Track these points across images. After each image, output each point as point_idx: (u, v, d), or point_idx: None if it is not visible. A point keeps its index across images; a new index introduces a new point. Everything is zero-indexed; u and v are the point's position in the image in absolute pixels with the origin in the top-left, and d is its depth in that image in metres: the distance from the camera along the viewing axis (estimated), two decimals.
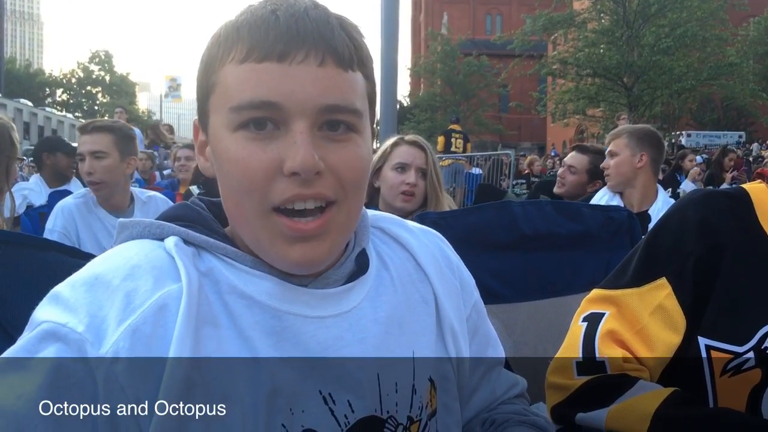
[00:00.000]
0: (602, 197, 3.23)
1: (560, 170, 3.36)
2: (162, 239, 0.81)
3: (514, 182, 11.17)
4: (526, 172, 12.08)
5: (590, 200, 3.13)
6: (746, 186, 1.27)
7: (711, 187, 1.63)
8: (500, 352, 1.11)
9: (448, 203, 2.42)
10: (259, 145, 0.76)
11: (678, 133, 28.19)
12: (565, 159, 3.34)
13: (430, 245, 0.99)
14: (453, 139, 12.68)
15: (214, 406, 0.72)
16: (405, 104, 44.11)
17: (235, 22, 0.79)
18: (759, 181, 1.29)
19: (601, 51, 24.80)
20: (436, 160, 2.44)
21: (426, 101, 41.52)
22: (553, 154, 24.79)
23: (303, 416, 0.77)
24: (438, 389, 0.92)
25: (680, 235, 1.21)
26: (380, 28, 5.91)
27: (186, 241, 0.81)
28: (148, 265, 0.77)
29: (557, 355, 1.25)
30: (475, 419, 1.05)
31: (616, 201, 3.07)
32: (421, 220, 1.57)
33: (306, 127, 0.76)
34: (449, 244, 1.05)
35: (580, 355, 1.20)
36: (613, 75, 25.17)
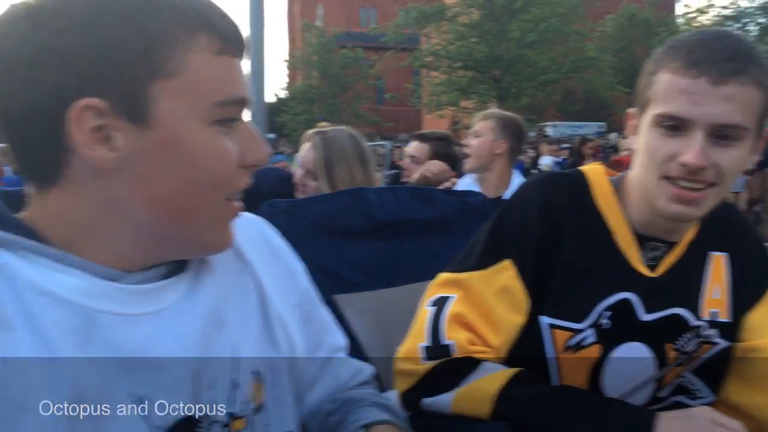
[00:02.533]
0: (463, 183, 3.29)
1: (405, 161, 3.37)
2: None
3: (388, 173, 11.26)
4: (399, 162, 12.24)
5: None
6: (583, 168, 1.30)
7: (552, 170, 1.70)
8: (340, 339, 1.08)
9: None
10: (229, 140, 0.78)
11: (544, 123, 29.54)
12: (406, 149, 3.35)
13: (254, 232, 0.95)
14: None
15: (8, 416, 0.65)
16: (281, 96, 43.62)
17: None
18: (598, 164, 1.33)
19: (471, 44, 25.58)
20: (349, 158, 2.25)
21: (302, 93, 41.28)
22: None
23: (111, 423, 0.71)
24: (266, 382, 0.88)
25: (522, 217, 1.23)
26: (248, 18, 5.78)
27: None
28: None
29: (405, 341, 1.24)
30: (319, 407, 1.02)
31: (476, 188, 3.13)
32: (270, 207, 1.51)
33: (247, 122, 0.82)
34: (275, 228, 1.01)
35: (427, 340, 1.19)
36: (482, 68, 26.07)
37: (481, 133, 3.11)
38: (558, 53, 26.16)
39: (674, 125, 1.10)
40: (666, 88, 1.10)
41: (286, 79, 51.62)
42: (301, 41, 46.27)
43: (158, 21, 0.72)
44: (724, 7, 30.20)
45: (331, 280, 1.59)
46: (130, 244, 0.77)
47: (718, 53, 1.06)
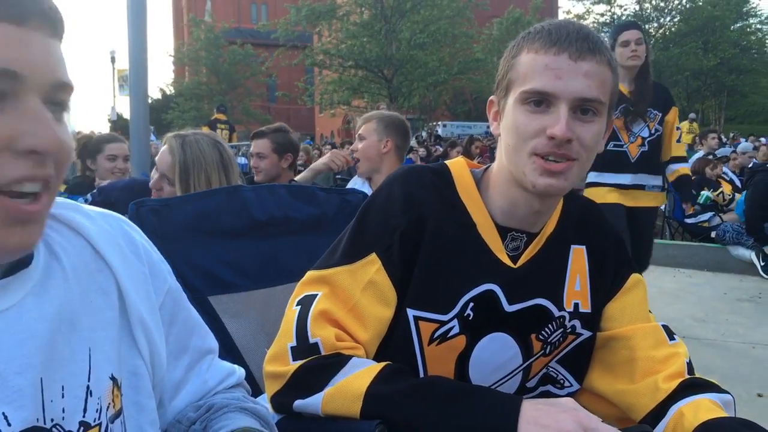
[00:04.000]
0: (353, 184, 3.32)
1: (252, 161, 3.41)
2: None
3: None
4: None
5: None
6: (448, 162, 1.33)
7: (416, 164, 1.73)
8: (209, 342, 1.05)
9: None
10: None
11: (435, 123, 30.11)
12: (251, 150, 3.39)
13: (112, 230, 0.90)
14: (218, 130, 12.39)
15: None
16: (168, 92, 42.17)
17: None
18: (461, 157, 1.36)
19: (362, 43, 25.70)
20: (208, 163, 2.19)
21: (191, 90, 40.09)
22: (325, 142, 25.22)
23: None
24: (125, 387, 0.84)
25: (386, 210, 1.23)
26: (126, 10, 5.52)
27: None
28: None
29: (273, 343, 1.21)
30: (187, 407, 0.98)
31: (366, 188, 3.16)
32: (138, 207, 1.44)
33: (40, 102, 0.69)
34: (136, 227, 0.96)
35: (294, 339, 1.17)
36: (374, 67, 26.26)
37: (365, 136, 3.16)
38: (447, 54, 26.74)
39: (539, 101, 1.14)
40: (529, 66, 1.15)
41: (172, 75, 49.97)
42: (188, 36, 44.95)
43: None
44: (601, 15, 31.97)
45: (207, 281, 1.54)
46: None
47: (575, 34, 1.13)
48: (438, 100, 31.45)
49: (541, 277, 1.27)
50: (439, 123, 30.11)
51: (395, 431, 1.06)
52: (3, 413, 0.70)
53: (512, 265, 1.25)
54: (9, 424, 0.70)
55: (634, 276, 1.34)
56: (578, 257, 1.32)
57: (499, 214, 1.25)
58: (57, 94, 0.72)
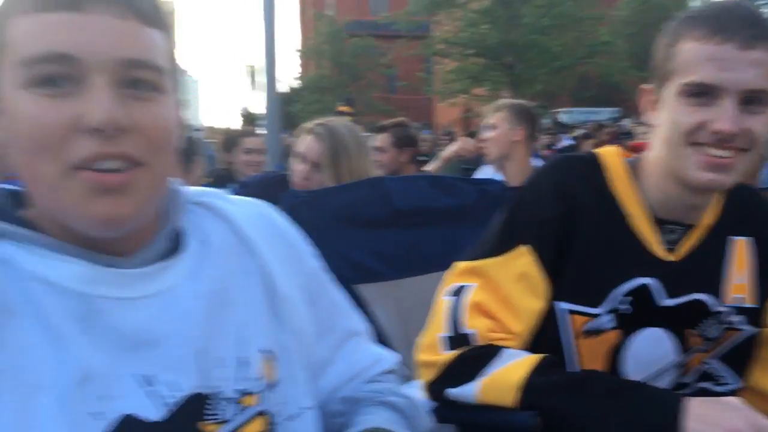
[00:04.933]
0: (484, 173, 3.32)
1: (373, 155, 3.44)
2: None
3: None
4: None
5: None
6: (599, 150, 1.29)
7: (567, 154, 1.68)
8: (357, 324, 1.06)
9: None
10: (52, 102, 0.70)
11: (558, 110, 29.34)
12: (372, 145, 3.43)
13: (256, 215, 0.95)
14: None
15: (22, 394, 0.68)
16: (294, 86, 43.55)
17: None
18: (613, 146, 1.32)
19: (483, 31, 25.37)
20: (351, 150, 2.22)
21: (315, 83, 41.16)
22: (444, 132, 25.20)
23: (120, 401, 0.73)
24: (279, 360, 0.88)
25: (538, 202, 1.22)
26: (262, 10, 5.77)
27: None
28: None
29: (425, 332, 1.23)
30: (333, 397, 1.01)
31: (497, 177, 3.14)
32: (293, 198, 1.51)
33: (105, 82, 0.71)
34: (279, 212, 1.01)
35: (447, 330, 1.18)
36: (495, 55, 25.86)
37: (496, 125, 3.13)
38: (571, 38, 25.89)
39: (701, 93, 1.08)
40: (691, 56, 1.09)
41: (299, 69, 51.55)
42: (312, 31, 46.15)
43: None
44: None
45: (354, 271, 1.59)
46: (58, 223, 0.76)
47: (742, 19, 1.06)
48: (562, 86, 30.56)
49: (700, 270, 1.22)
50: (563, 110, 29.30)
51: (551, 423, 1.06)
52: (170, 381, 0.77)
53: (668, 258, 1.21)
54: (175, 390, 0.77)
55: None
56: (742, 250, 1.25)
57: (655, 205, 1.21)
58: (129, 73, 0.73)
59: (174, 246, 0.85)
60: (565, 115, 27.03)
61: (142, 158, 0.74)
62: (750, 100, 1.07)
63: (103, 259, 0.77)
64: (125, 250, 0.79)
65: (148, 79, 0.75)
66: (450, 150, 3.50)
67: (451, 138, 15.66)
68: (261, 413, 0.85)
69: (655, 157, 1.20)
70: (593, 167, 1.25)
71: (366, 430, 0.91)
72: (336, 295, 1.05)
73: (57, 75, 0.70)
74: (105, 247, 0.78)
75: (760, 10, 1.20)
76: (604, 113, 26.81)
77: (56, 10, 0.70)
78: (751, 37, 1.05)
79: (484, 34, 25.40)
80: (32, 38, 0.71)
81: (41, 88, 0.70)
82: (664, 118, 1.15)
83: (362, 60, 40.11)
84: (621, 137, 12.01)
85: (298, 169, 2.26)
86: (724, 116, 1.06)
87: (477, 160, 4.21)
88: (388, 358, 1.10)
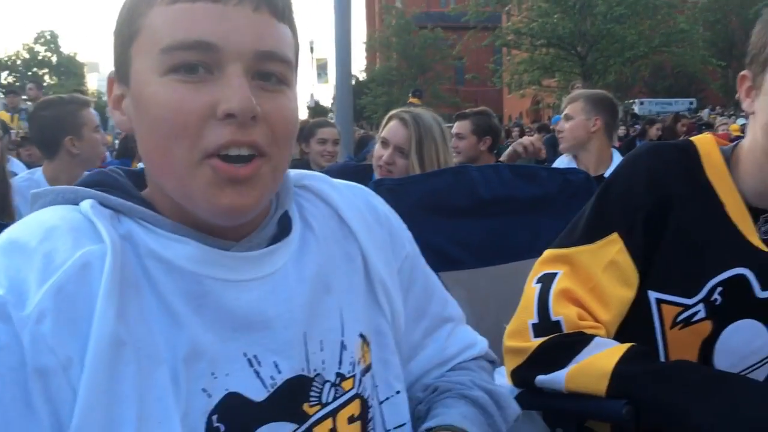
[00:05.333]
0: (560, 163, 3.27)
1: (452, 142, 3.40)
2: (77, 204, 0.78)
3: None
4: None
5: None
6: (694, 138, 1.26)
7: (659, 141, 1.64)
8: (451, 310, 1.07)
9: None
10: (191, 88, 0.73)
11: (631, 101, 28.56)
12: (452, 131, 3.39)
13: (356, 199, 0.97)
14: None
15: (144, 365, 0.70)
16: (361, 79, 43.82)
17: None
18: (709, 134, 1.29)
19: (555, 20, 24.89)
20: (436, 138, 2.30)
21: (382, 75, 41.32)
22: (513, 124, 24.93)
23: (227, 379, 0.75)
24: (372, 344, 0.91)
25: (629, 189, 1.20)
26: (333, 3, 5.82)
27: (103, 205, 0.78)
28: (65, 227, 0.73)
29: (513, 319, 1.24)
30: (419, 382, 1.02)
31: (574, 166, 3.10)
32: (377, 186, 1.54)
33: (241, 71, 0.74)
34: (379, 197, 1.02)
35: (536, 317, 1.19)
36: (566, 44, 25.35)
37: (572, 115, 3.10)
38: (647, 27, 25.12)
39: None
40: None
41: (365, 62, 51.78)
42: (380, 23, 46.28)
43: None
44: None
45: (436, 258, 1.60)
46: (174, 205, 0.79)
47: None
48: (636, 76, 29.73)
49: None
50: (636, 100, 28.53)
51: (643, 412, 1.05)
52: (275, 362, 0.79)
53: (766, 249, 1.18)
54: (279, 372, 0.79)
55: None
56: None
57: (752, 194, 1.18)
58: (262, 65, 0.75)
59: (281, 230, 0.87)
60: (638, 105, 26.30)
61: (267, 148, 0.76)
62: None
63: (215, 242, 0.80)
64: (236, 234, 0.82)
65: (278, 71, 0.77)
66: (509, 151, 3.41)
67: (520, 130, 15.49)
68: (357, 396, 0.87)
69: (752, 145, 1.17)
70: (688, 155, 1.22)
71: (440, 426, 0.90)
72: (431, 281, 1.05)
73: (197, 62, 0.73)
74: (217, 231, 0.80)
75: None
76: (679, 104, 25.99)
77: (197, 0, 0.73)
78: None
79: (555, 24, 24.90)
80: (174, 26, 0.73)
81: (180, 75, 0.73)
82: (765, 104, 1.12)
83: (430, 52, 40.03)
84: (700, 128, 11.63)
85: (381, 155, 2.32)
86: None
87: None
88: (479, 344, 1.10)
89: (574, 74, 25.00)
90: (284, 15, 0.79)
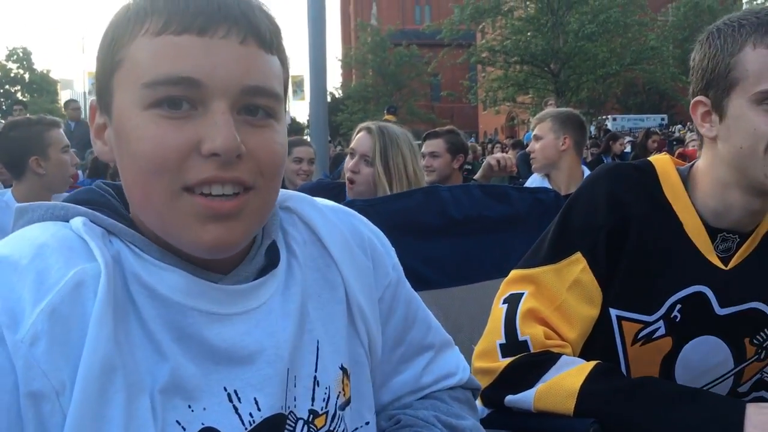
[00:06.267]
0: (532, 182, 3.31)
1: (425, 161, 3.43)
2: (66, 221, 0.76)
3: None
4: None
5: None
6: (652, 158, 1.29)
7: (619, 161, 1.69)
8: (432, 336, 1.04)
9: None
10: (174, 124, 0.71)
11: (604, 117, 28.94)
12: (423, 150, 3.42)
13: (340, 224, 0.93)
14: None
15: (132, 392, 0.68)
16: (337, 95, 43.93)
17: None
18: (664, 153, 1.32)
19: (528, 38, 25.25)
20: (402, 147, 2.37)
21: (358, 92, 41.49)
22: (488, 140, 25.11)
23: (204, 413, 0.73)
24: (351, 376, 0.89)
25: (591, 209, 1.22)
26: (307, 16, 5.83)
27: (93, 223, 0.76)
28: (56, 244, 0.71)
29: (481, 340, 1.25)
30: (388, 408, 1.00)
31: (546, 185, 3.14)
32: (348, 206, 1.54)
33: (226, 108, 0.72)
34: (365, 220, 1.00)
35: (503, 337, 1.20)
36: (540, 62, 25.73)
37: (542, 135, 3.14)
38: (618, 45, 25.58)
39: None
40: (763, 64, 1.08)
41: (341, 79, 51.94)
42: (355, 40, 46.52)
43: (121, 15, 0.75)
44: None
45: (408, 278, 1.61)
46: (157, 238, 0.77)
47: None
48: (608, 93, 30.19)
49: (757, 279, 1.21)
50: (609, 117, 28.92)
51: (609, 429, 1.07)
52: (255, 399, 0.77)
53: (723, 267, 1.20)
54: (259, 409, 0.77)
55: None
56: None
57: (709, 214, 1.20)
58: (248, 99, 0.73)
59: (269, 259, 0.84)
60: (611, 122, 26.66)
61: (254, 183, 0.74)
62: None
63: (202, 273, 0.77)
64: (223, 265, 0.79)
65: (265, 105, 0.75)
66: (484, 166, 3.45)
67: (494, 146, 15.58)
68: None
69: (711, 167, 1.20)
70: (647, 175, 1.25)
71: None
72: (413, 307, 1.02)
73: (180, 98, 0.71)
74: (204, 262, 0.78)
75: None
76: (651, 120, 26.38)
77: (182, 33, 0.71)
78: None
79: (528, 41, 25.27)
80: (157, 60, 0.71)
81: (163, 110, 0.71)
82: (736, 128, 1.13)
83: (406, 68, 40.28)
84: (671, 144, 11.80)
85: (348, 165, 2.39)
86: None
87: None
88: (459, 373, 1.06)
89: (547, 91, 25.36)
90: (272, 45, 0.76)
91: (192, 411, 0.73)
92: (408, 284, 1.03)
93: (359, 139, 2.39)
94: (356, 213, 1.00)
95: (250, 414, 0.76)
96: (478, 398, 1.22)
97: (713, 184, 1.19)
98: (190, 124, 0.71)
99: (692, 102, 1.21)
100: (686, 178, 1.24)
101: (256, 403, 0.77)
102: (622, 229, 1.20)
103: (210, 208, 0.72)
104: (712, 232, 1.20)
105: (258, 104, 0.74)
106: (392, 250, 1.01)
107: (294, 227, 0.90)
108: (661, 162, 1.27)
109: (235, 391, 0.76)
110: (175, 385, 0.72)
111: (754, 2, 27.11)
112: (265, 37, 0.75)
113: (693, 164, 1.26)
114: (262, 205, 0.77)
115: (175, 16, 0.71)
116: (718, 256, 1.20)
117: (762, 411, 1.00)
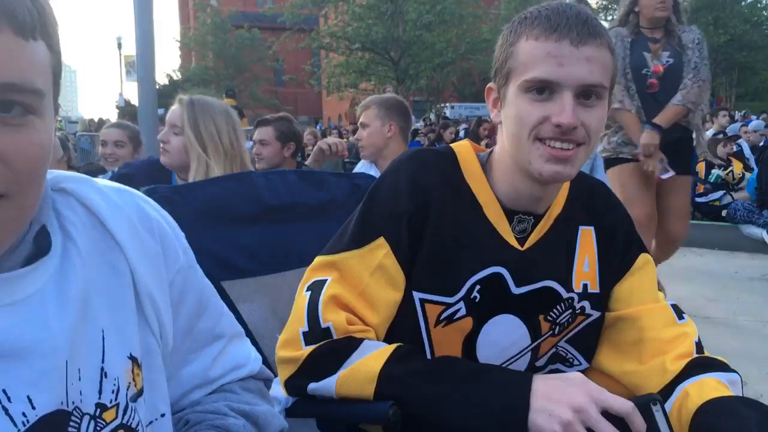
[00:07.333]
0: (360, 168, 3.34)
1: (255, 149, 3.44)
2: None
3: None
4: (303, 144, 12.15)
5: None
6: (453, 145, 1.33)
7: (421, 147, 1.75)
8: (223, 325, 1.02)
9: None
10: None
11: (442, 105, 29.98)
12: (254, 138, 3.44)
13: (125, 206, 0.88)
14: None
15: None
16: (175, 77, 42.13)
17: None
18: (467, 141, 1.37)
19: (369, 25, 25.54)
20: (215, 117, 2.35)
21: (198, 75, 39.98)
22: (332, 127, 25.18)
23: None
24: (143, 366, 0.84)
25: (393, 195, 1.24)
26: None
27: None
28: None
29: (285, 328, 1.23)
30: (180, 400, 0.97)
31: (374, 171, 3.17)
32: (150, 194, 1.45)
33: None
34: (152, 201, 0.94)
35: (306, 325, 1.18)
36: (380, 49, 26.12)
37: (367, 123, 3.17)
38: (454, 35, 26.55)
39: (542, 88, 1.14)
40: (530, 54, 1.15)
41: (179, 61, 49.88)
42: (194, 21, 44.80)
43: None
44: None
45: (219, 267, 1.55)
46: None
47: (574, 18, 1.13)
48: (445, 82, 31.29)
49: (549, 258, 1.28)
50: (447, 105, 29.99)
51: (409, 411, 1.08)
52: (28, 396, 0.71)
53: (519, 247, 1.26)
54: (33, 408, 0.71)
55: (643, 256, 1.35)
56: (587, 238, 1.32)
57: (505, 197, 1.26)
58: (1, 96, 0.66)
59: (38, 247, 0.78)
60: (449, 109, 27.69)
61: (5, 191, 0.67)
62: (585, 94, 1.14)
63: None
64: None
65: (21, 101, 0.67)
66: (315, 150, 3.46)
67: (338, 132, 15.66)
68: (122, 426, 0.80)
69: (502, 152, 1.26)
70: (448, 160, 1.29)
71: None
72: (206, 294, 0.99)
73: None
74: None
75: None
76: (485, 108, 27.66)
77: None
78: (584, 34, 1.12)
79: (369, 28, 25.56)
80: None
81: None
82: (508, 115, 1.20)
83: (247, 52, 39.39)
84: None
85: (161, 134, 2.40)
86: (563, 110, 1.12)
87: (359, 154, 4.23)
88: (249, 364, 1.06)
89: (388, 78, 25.83)
90: (34, 30, 0.68)
91: None
92: (200, 270, 0.99)
93: (171, 111, 2.39)
94: (142, 195, 0.94)
95: (24, 413, 0.70)
96: (282, 388, 1.20)
97: (503, 170, 1.25)
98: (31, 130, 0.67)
99: (486, 88, 1.27)
100: (485, 164, 1.29)
101: (30, 401, 0.71)
102: (423, 213, 1.22)
103: None
104: (510, 213, 1.26)
105: (13, 100, 0.67)
106: (182, 234, 0.97)
107: (71, 210, 0.83)
108: (462, 148, 1.32)
109: (4, 390, 0.70)
110: None
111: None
112: (24, 21, 0.66)
113: (492, 150, 1.31)
114: (19, 214, 0.71)
115: None
116: (516, 238, 1.26)
117: (547, 381, 1.06)
